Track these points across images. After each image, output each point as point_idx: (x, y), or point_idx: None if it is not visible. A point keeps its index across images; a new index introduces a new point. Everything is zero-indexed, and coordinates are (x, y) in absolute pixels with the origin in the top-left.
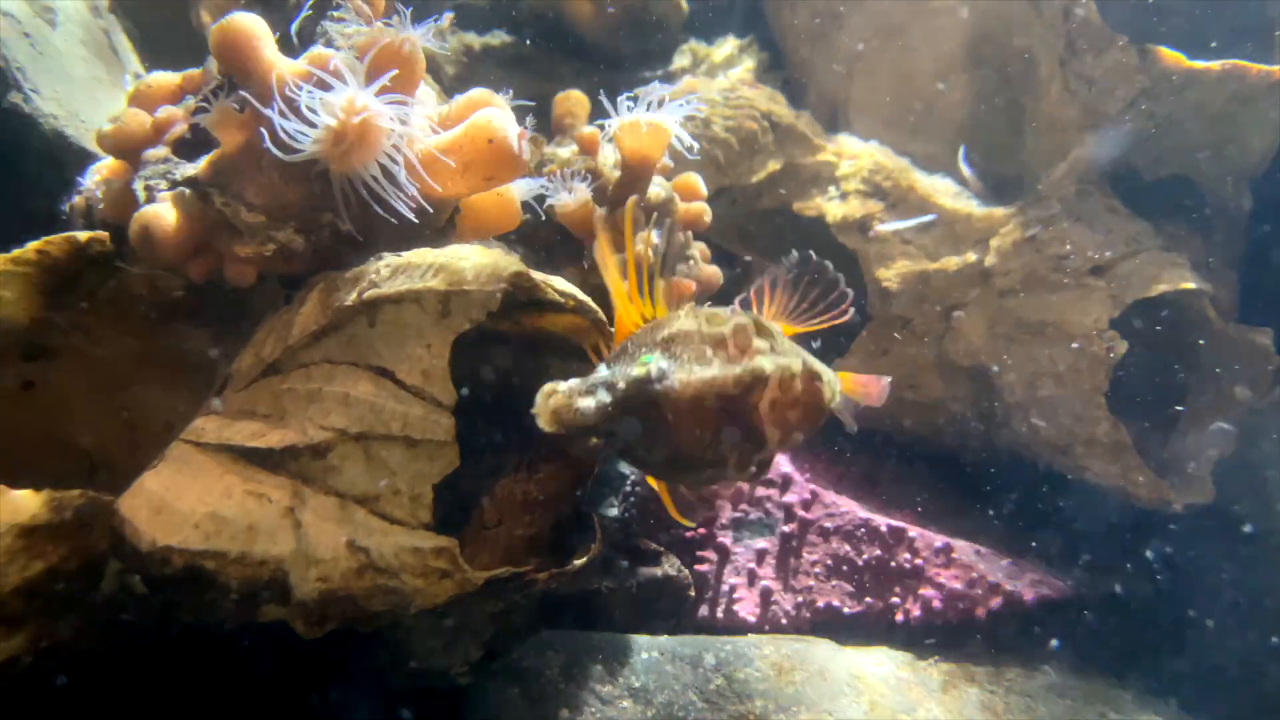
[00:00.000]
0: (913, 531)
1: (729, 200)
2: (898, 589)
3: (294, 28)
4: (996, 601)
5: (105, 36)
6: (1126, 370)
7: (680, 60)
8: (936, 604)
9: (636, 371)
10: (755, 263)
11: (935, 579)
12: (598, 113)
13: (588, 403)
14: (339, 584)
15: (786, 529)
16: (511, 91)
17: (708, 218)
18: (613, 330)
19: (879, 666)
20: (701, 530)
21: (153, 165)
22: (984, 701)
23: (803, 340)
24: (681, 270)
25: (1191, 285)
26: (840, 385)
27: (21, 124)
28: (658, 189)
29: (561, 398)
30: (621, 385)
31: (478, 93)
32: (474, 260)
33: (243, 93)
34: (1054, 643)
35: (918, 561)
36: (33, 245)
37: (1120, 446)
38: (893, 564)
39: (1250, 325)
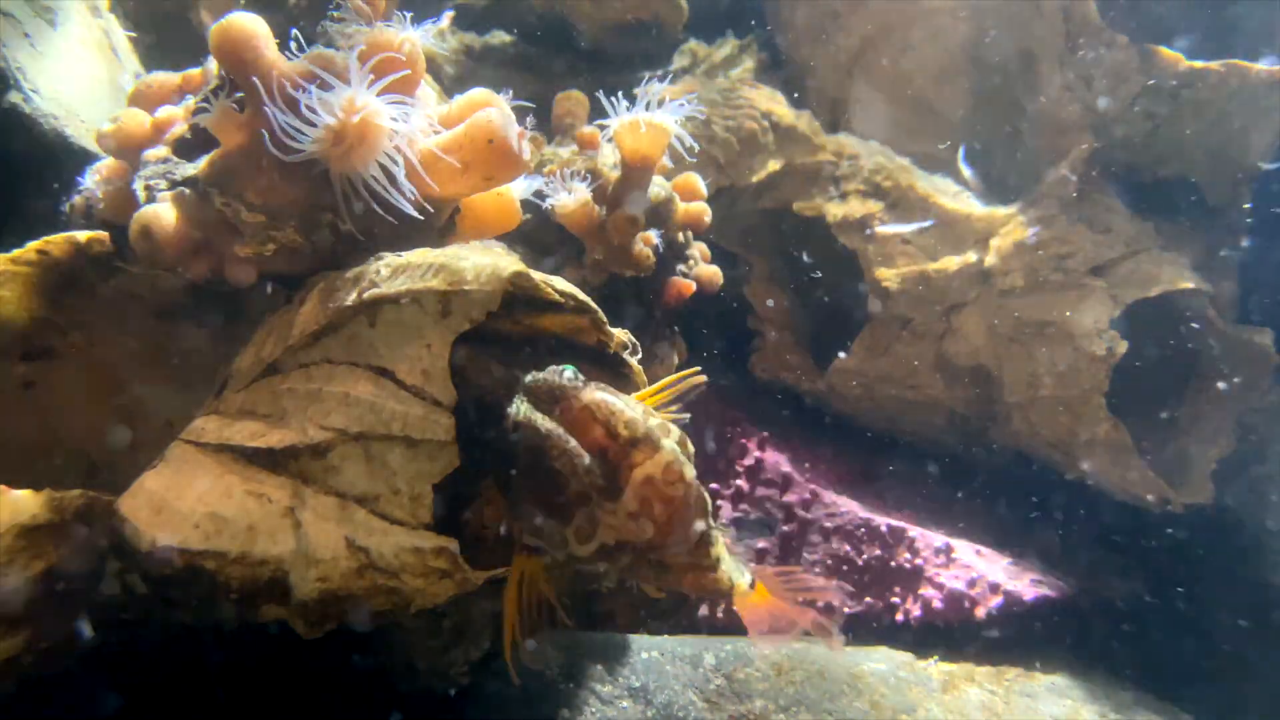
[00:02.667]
0: (913, 531)
1: (729, 200)
2: (898, 589)
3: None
4: (996, 601)
5: (105, 36)
6: (1126, 370)
7: (680, 60)
8: (937, 604)
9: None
10: (755, 262)
11: (935, 579)
12: (598, 112)
13: None
14: (339, 584)
15: (786, 529)
16: (511, 91)
17: (708, 218)
18: (612, 331)
19: (879, 666)
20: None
21: (153, 165)
22: (984, 701)
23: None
24: (681, 270)
25: (1191, 285)
26: (747, 583)
27: (21, 124)
28: (658, 189)
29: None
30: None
31: (478, 93)
32: (474, 260)
33: (242, 93)
34: (1054, 643)
35: (918, 561)
36: (33, 245)
37: (1120, 446)
38: (893, 564)
39: (1250, 325)
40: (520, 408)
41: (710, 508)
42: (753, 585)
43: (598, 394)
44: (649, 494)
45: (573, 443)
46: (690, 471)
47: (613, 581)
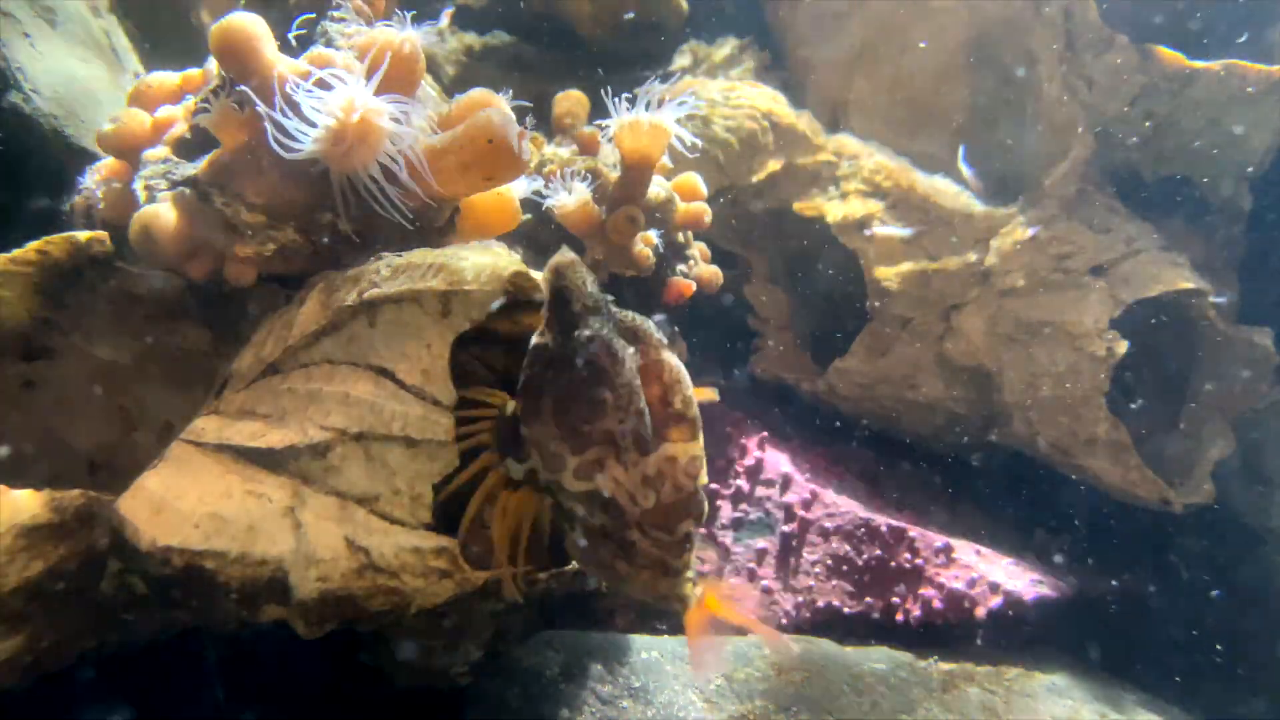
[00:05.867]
0: (913, 531)
1: (729, 200)
2: (898, 589)
3: (293, 27)
4: (997, 601)
5: (105, 36)
6: (1127, 370)
7: (680, 60)
8: (937, 604)
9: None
10: (755, 262)
11: (935, 579)
12: (598, 112)
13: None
14: (339, 584)
15: (786, 529)
16: (511, 91)
17: (708, 218)
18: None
19: (879, 666)
20: (701, 530)
21: (153, 165)
22: (984, 702)
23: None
24: (681, 270)
25: (1191, 285)
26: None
27: (22, 124)
28: (658, 189)
29: None
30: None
31: (478, 93)
32: (474, 260)
33: (243, 92)
34: (1054, 643)
35: (918, 561)
36: (33, 245)
37: (1120, 446)
38: (893, 564)
39: (1250, 325)
40: (601, 327)
41: (704, 519)
42: (701, 599)
43: (674, 359)
44: (667, 472)
45: (639, 381)
46: (704, 476)
47: (573, 539)
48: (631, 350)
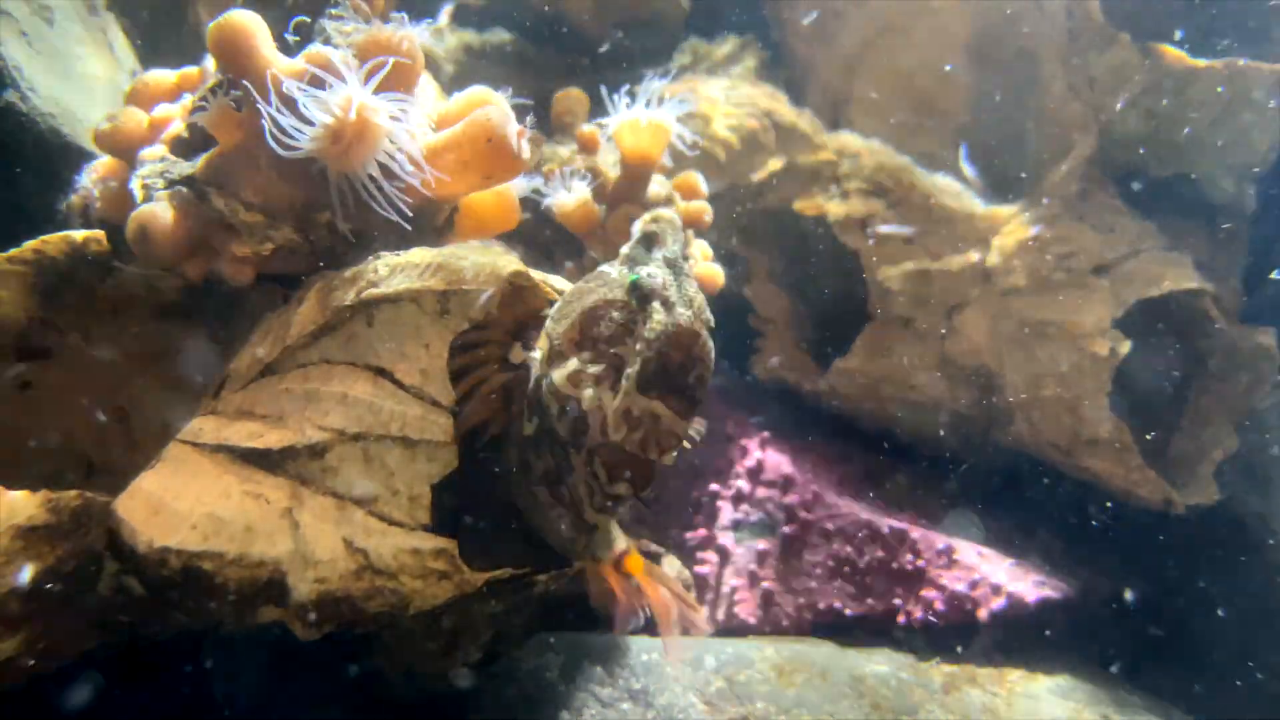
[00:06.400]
0: (915, 533)
1: (730, 199)
2: (900, 590)
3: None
4: (999, 603)
5: (102, 35)
6: (1129, 370)
7: (681, 58)
8: (939, 605)
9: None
10: (755, 262)
11: (937, 580)
12: (598, 111)
13: None
14: (337, 585)
15: (788, 530)
16: (511, 90)
17: (708, 216)
18: None
19: (881, 668)
20: (702, 531)
21: (150, 164)
22: (986, 703)
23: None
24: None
25: (1194, 285)
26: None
27: (18, 122)
28: (658, 188)
29: None
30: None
31: (476, 91)
32: (473, 259)
33: (240, 91)
34: (1057, 644)
35: (920, 563)
36: (29, 244)
37: (1123, 447)
38: (895, 565)
39: (1253, 325)
40: (672, 277)
41: (645, 496)
42: (624, 558)
43: (710, 344)
44: (647, 425)
45: (674, 334)
46: (670, 459)
47: (524, 427)
48: (682, 310)
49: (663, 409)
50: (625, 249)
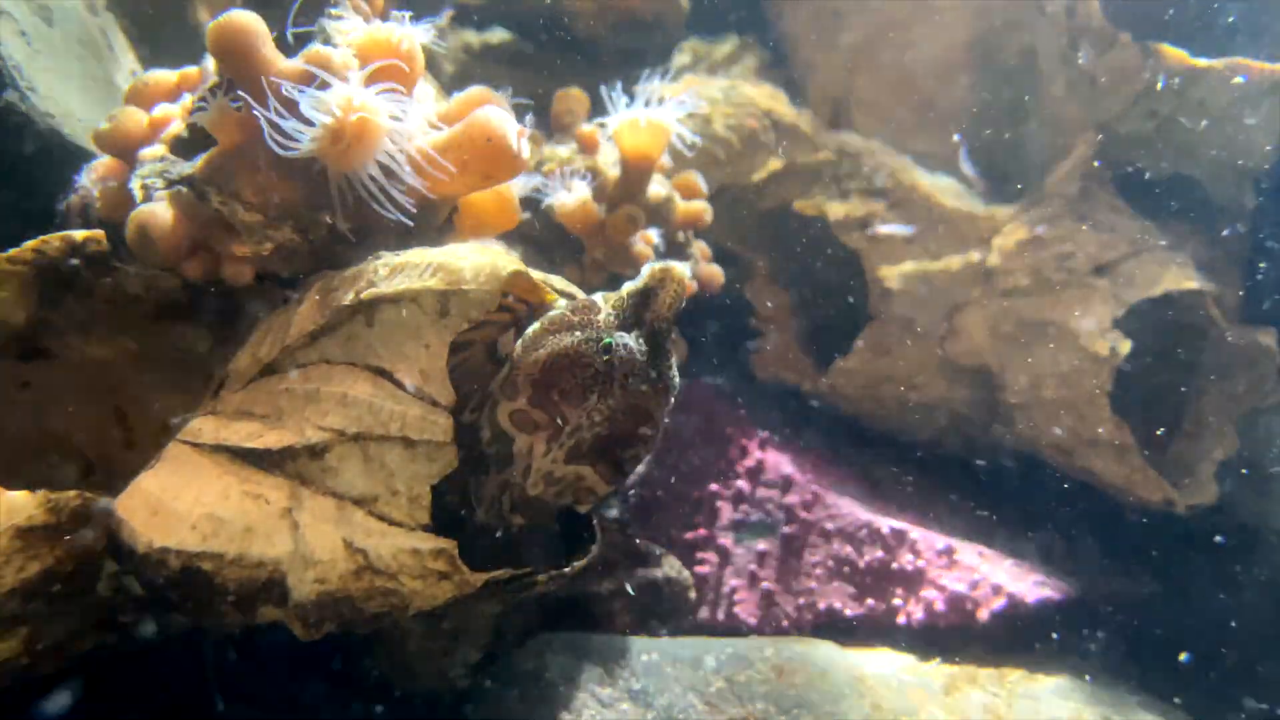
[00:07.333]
0: (915, 533)
1: (730, 199)
2: (900, 591)
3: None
4: (999, 603)
5: (102, 34)
6: (1130, 370)
7: (681, 58)
8: (939, 606)
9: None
10: (756, 262)
11: (937, 581)
12: (598, 110)
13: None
14: (337, 586)
15: (788, 530)
16: (511, 89)
17: (708, 217)
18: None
19: (881, 669)
20: (702, 531)
21: (149, 164)
22: (986, 704)
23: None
24: None
25: (1195, 285)
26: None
27: (17, 122)
28: (658, 188)
29: None
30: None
31: (476, 90)
32: (472, 259)
33: (240, 91)
34: (1057, 645)
35: (920, 563)
36: (29, 244)
37: (1123, 447)
38: (895, 566)
39: (1254, 325)
40: (654, 359)
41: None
42: None
43: (659, 426)
44: (568, 488)
45: (633, 410)
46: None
47: (497, 406)
48: (645, 387)
49: (589, 473)
50: (626, 288)
